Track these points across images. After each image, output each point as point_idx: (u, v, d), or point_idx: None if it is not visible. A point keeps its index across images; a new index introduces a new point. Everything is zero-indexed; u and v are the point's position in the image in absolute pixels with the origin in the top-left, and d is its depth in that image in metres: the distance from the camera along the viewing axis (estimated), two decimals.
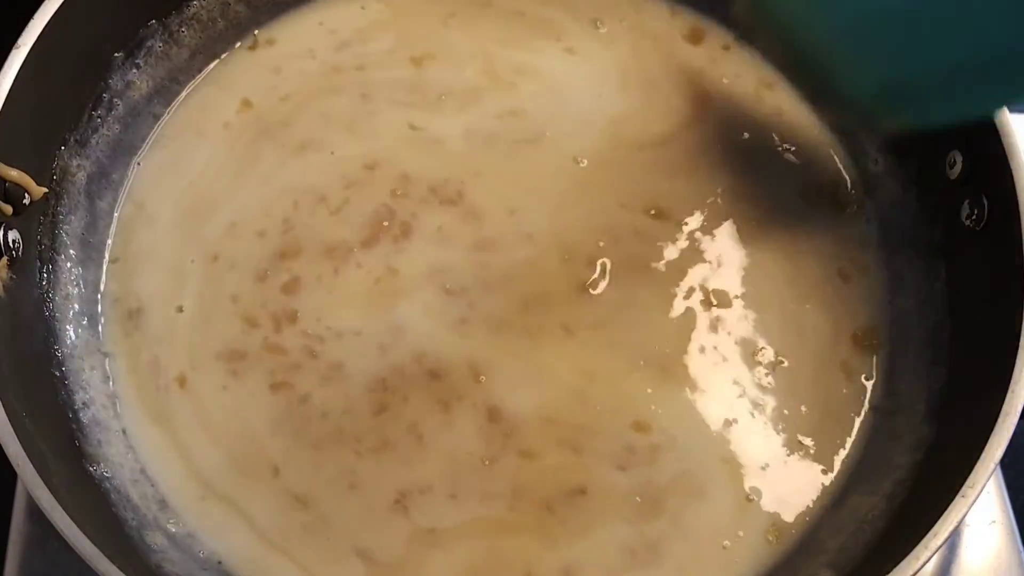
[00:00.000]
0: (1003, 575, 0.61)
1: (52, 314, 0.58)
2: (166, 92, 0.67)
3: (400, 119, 0.66)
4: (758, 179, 0.66)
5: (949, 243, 0.59)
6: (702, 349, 0.60)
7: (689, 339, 0.60)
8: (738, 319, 0.61)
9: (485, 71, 0.68)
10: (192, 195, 0.64)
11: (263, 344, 0.60)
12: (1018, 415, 0.49)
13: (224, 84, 0.68)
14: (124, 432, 0.58)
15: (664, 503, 0.57)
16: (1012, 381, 0.49)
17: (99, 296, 0.62)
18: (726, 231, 0.64)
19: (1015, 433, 0.49)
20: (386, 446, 0.58)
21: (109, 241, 0.63)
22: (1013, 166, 0.53)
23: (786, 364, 0.60)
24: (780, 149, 0.67)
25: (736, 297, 0.62)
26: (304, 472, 0.57)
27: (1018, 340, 0.50)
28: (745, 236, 0.64)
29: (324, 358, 0.60)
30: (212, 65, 0.69)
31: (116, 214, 0.64)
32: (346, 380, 0.59)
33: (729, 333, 0.61)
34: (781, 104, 0.68)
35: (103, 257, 0.63)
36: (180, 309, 0.61)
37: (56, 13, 0.55)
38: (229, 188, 0.65)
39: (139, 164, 0.65)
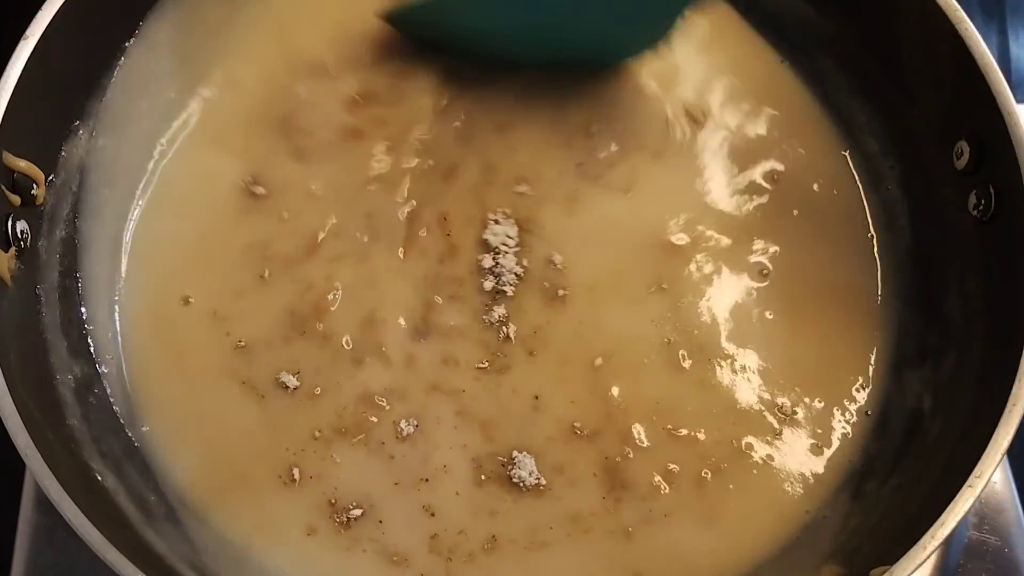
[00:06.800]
0: None
1: (60, 304, 0.58)
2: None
3: None
4: None
5: (956, 234, 0.59)
6: None
7: None
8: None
9: None
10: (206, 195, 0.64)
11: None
12: None
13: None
14: (130, 423, 0.58)
15: None
16: (1019, 371, 0.50)
17: (112, 287, 0.61)
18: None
19: (1022, 423, 0.49)
20: None
21: (121, 233, 0.62)
22: (1020, 156, 0.53)
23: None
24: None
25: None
26: None
27: None
28: None
29: None
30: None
31: (129, 205, 0.63)
32: None
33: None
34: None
35: (118, 248, 0.62)
36: (186, 301, 0.61)
37: (64, 4, 0.55)
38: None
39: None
